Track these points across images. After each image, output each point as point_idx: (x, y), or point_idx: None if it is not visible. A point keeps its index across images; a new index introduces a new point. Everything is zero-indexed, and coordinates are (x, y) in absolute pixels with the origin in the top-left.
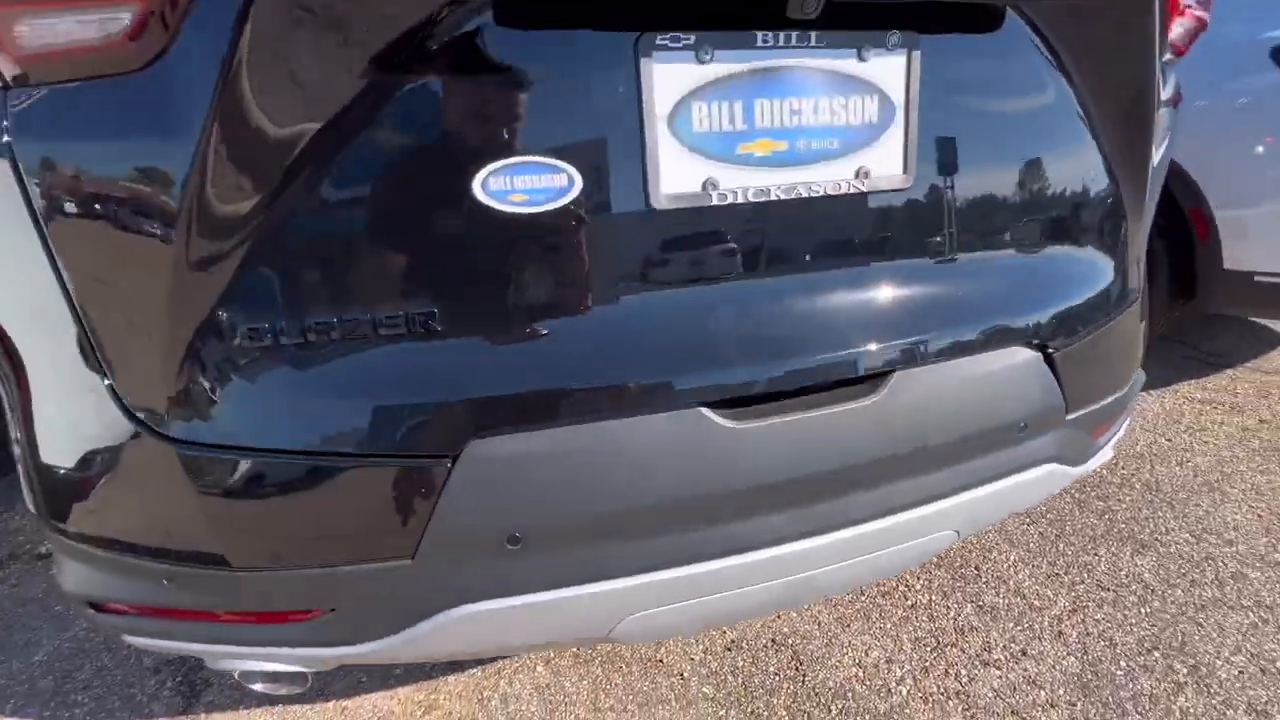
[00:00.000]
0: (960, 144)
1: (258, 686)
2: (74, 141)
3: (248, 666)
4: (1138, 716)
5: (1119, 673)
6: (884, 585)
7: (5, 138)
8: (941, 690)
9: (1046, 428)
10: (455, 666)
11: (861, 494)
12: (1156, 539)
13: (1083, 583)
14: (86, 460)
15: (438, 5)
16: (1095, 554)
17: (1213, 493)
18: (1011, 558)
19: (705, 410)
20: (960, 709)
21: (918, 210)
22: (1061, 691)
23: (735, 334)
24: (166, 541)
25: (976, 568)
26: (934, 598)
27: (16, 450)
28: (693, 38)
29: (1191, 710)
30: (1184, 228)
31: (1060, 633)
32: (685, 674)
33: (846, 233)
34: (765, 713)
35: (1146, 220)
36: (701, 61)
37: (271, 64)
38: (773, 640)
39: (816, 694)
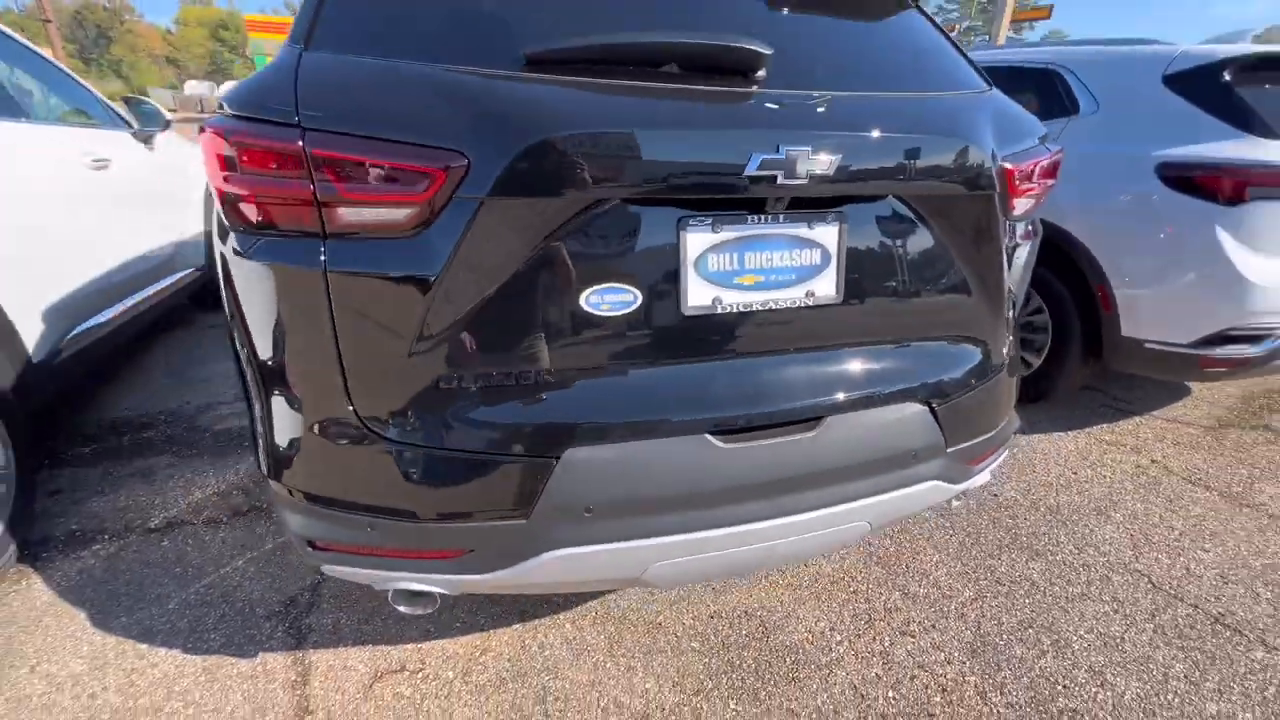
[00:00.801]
0: (872, 276)
1: (402, 607)
2: (357, 266)
3: (407, 588)
4: (1009, 671)
5: (1000, 642)
6: (834, 575)
7: (323, 256)
8: (869, 650)
9: (931, 456)
10: (502, 621)
11: (805, 493)
12: (1048, 549)
13: (985, 579)
14: (328, 449)
15: (580, 208)
16: (999, 559)
17: (1099, 516)
18: (934, 559)
19: (708, 436)
20: (880, 663)
21: (845, 316)
22: (956, 654)
23: (728, 390)
24: (373, 503)
25: (906, 565)
26: (871, 587)
27: (261, 442)
28: (710, 218)
29: (1050, 672)
30: (1093, 301)
31: (962, 614)
32: (678, 634)
33: (799, 330)
34: (737, 662)
35: (1004, 321)
36: (715, 231)
37: (481, 236)
38: (745, 612)
39: (775, 650)
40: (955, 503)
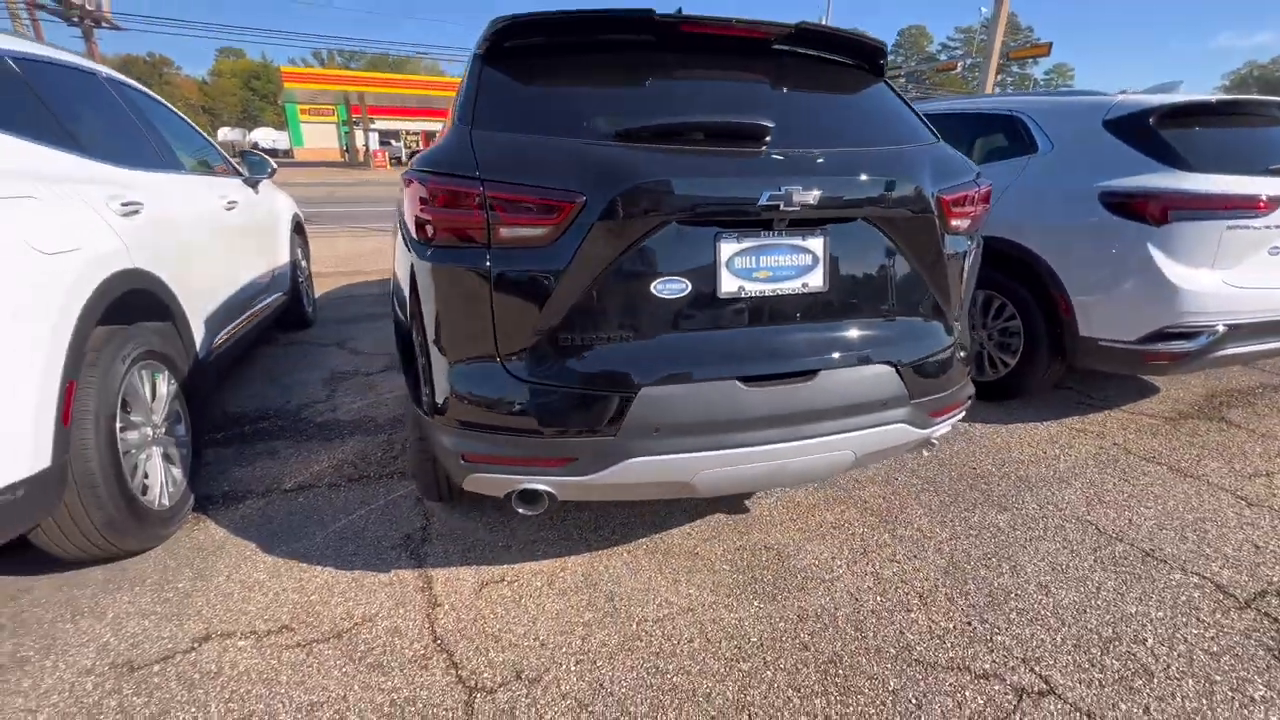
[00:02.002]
0: (849, 273)
1: (521, 509)
2: (512, 263)
3: (530, 488)
4: (973, 585)
5: (968, 567)
6: (835, 522)
7: (489, 264)
8: (862, 571)
9: (898, 405)
10: (573, 550)
11: (805, 425)
12: (1014, 506)
13: (960, 526)
14: (482, 388)
15: (650, 227)
16: (973, 512)
17: (1061, 483)
18: (919, 512)
19: (736, 382)
20: (871, 579)
21: (831, 301)
22: (932, 574)
23: (750, 350)
24: (511, 425)
25: (895, 516)
26: (866, 530)
27: (426, 390)
28: (736, 234)
29: (1005, 585)
30: (1055, 308)
31: (939, 549)
32: (712, 559)
33: (799, 310)
34: (759, 577)
35: (950, 308)
36: (739, 242)
37: (589, 247)
38: (765, 546)
39: (789, 570)
40: (925, 452)
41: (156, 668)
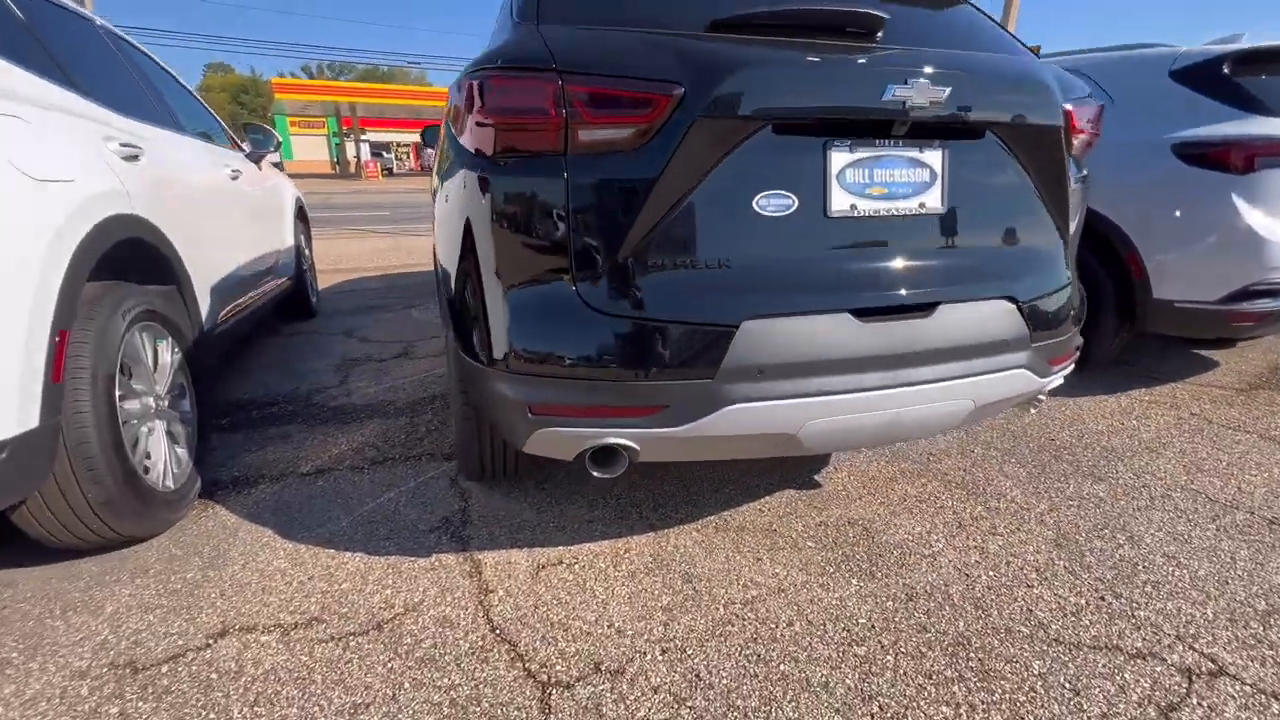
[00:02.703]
0: (969, 194)
1: (595, 471)
2: (593, 174)
3: (605, 444)
4: (1093, 558)
5: (1080, 539)
6: (919, 495)
7: (565, 174)
8: (965, 545)
9: (1020, 348)
10: (635, 531)
11: (923, 367)
12: (1109, 476)
13: (1057, 497)
14: (554, 327)
15: (756, 128)
16: (1066, 483)
17: (1151, 453)
18: (1007, 484)
19: (849, 315)
20: (977, 553)
21: (950, 225)
22: (1043, 547)
23: (864, 279)
24: (590, 368)
25: (983, 489)
26: (955, 503)
27: (482, 336)
28: (849, 142)
29: (1128, 557)
30: (1125, 270)
31: (1042, 521)
32: (793, 537)
33: (915, 234)
34: (851, 554)
35: (1071, 240)
36: (852, 152)
37: (688, 149)
38: (849, 521)
39: (882, 546)
40: (1033, 410)
41: (165, 668)
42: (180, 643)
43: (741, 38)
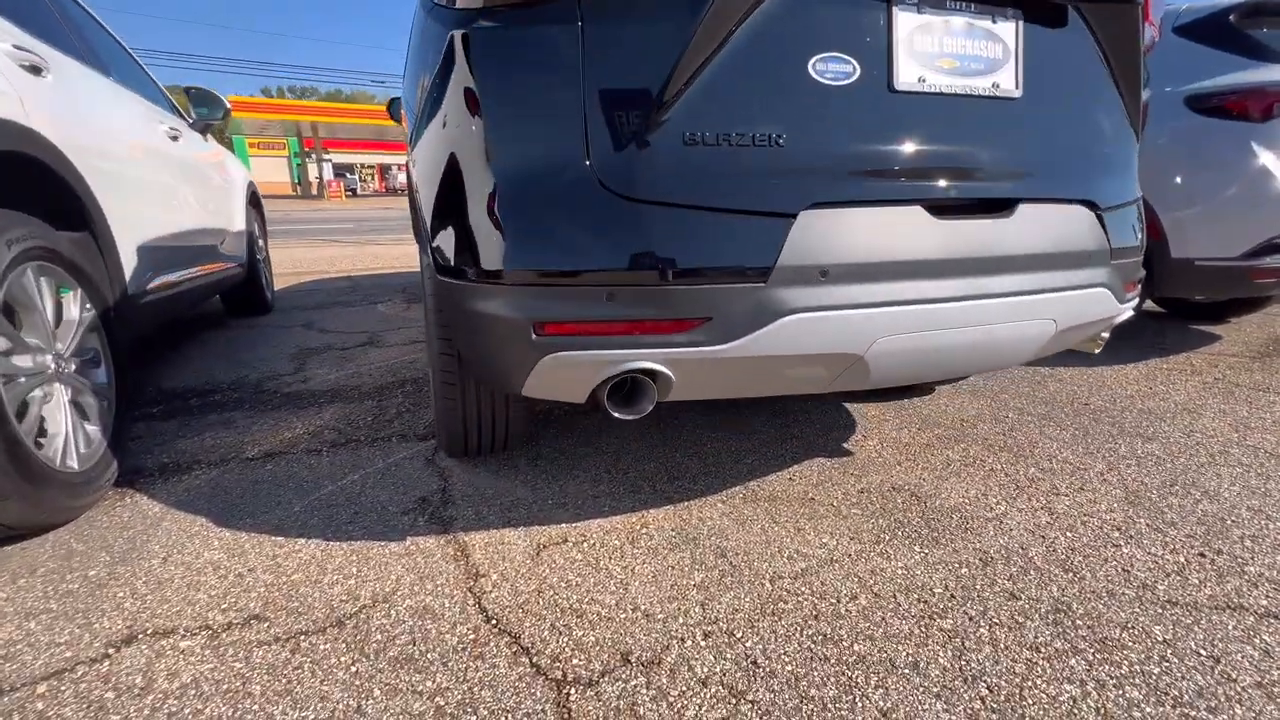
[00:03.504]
0: (1045, 76)
1: (616, 412)
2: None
3: (635, 369)
4: (1173, 515)
5: (1154, 496)
6: (963, 459)
7: (580, 20)
8: (1029, 507)
9: (1100, 263)
10: (651, 504)
11: (1004, 275)
12: (1159, 435)
13: (1112, 456)
14: (565, 216)
15: None
16: (1116, 443)
17: (1191, 414)
18: (1054, 446)
19: (921, 208)
20: (1045, 514)
21: (1025, 111)
22: (1116, 505)
23: (937, 167)
24: (612, 270)
25: (1030, 451)
26: (1005, 465)
27: (472, 237)
28: (917, 2)
29: (1213, 512)
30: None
31: (1105, 479)
32: (834, 504)
33: (990, 118)
34: (903, 520)
35: (1137, 148)
36: (921, 13)
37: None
38: (893, 487)
39: (937, 510)
40: (1097, 348)
41: (42, 687)
42: (69, 655)
43: None
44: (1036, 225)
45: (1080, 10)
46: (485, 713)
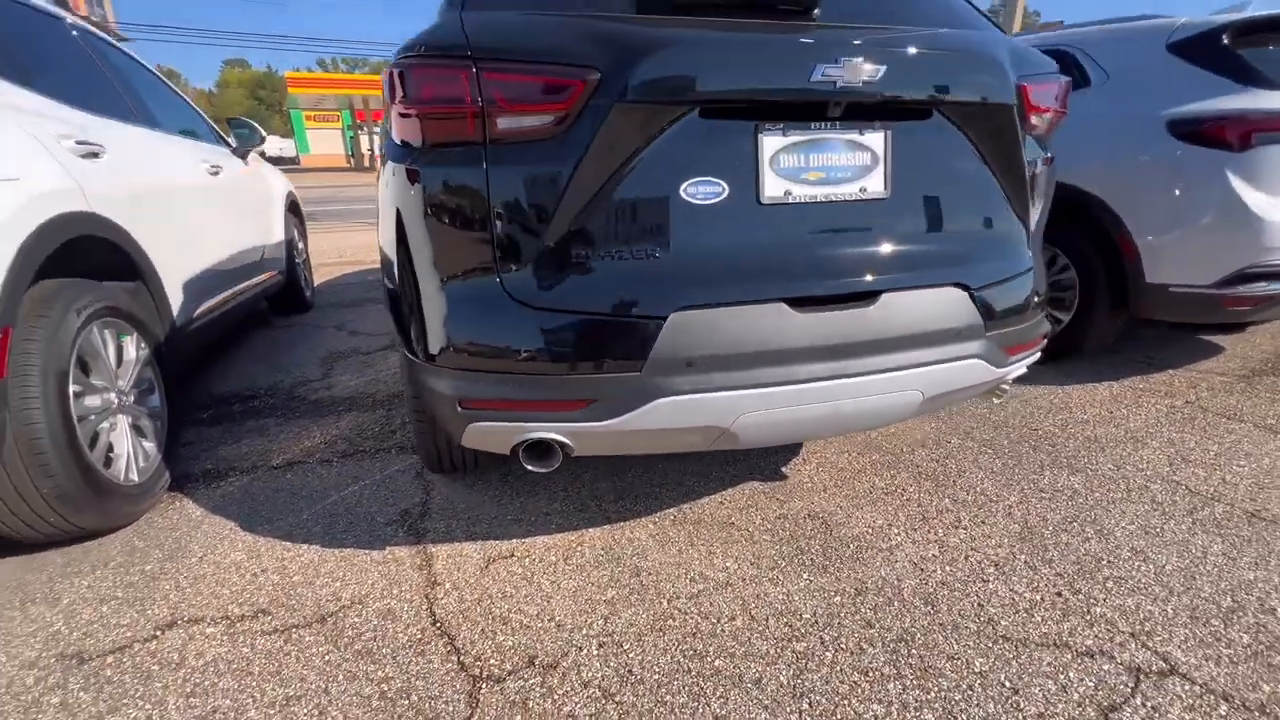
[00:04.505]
0: (915, 176)
1: (530, 465)
2: (513, 163)
3: (540, 438)
4: (1055, 552)
5: (1047, 532)
6: (886, 487)
7: (485, 165)
8: (925, 539)
9: (972, 336)
10: (591, 523)
11: (866, 358)
12: (1088, 467)
13: (1029, 489)
14: (481, 322)
15: (681, 113)
16: (1041, 475)
17: (1136, 443)
18: (979, 476)
19: (783, 305)
20: (936, 547)
21: (894, 209)
22: (1006, 540)
23: (800, 267)
24: (516, 362)
25: (954, 481)
26: (922, 495)
27: (416, 330)
28: (781, 126)
29: (1094, 551)
30: (1117, 252)
31: (1009, 514)
32: (750, 530)
33: (856, 220)
34: (805, 548)
35: (1033, 221)
36: (785, 135)
37: (608, 136)
38: (809, 514)
39: (839, 539)
40: (996, 399)
41: (110, 659)
42: (129, 634)
43: (671, 18)
44: (900, 311)
45: (948, 116)
46: (415, 698)
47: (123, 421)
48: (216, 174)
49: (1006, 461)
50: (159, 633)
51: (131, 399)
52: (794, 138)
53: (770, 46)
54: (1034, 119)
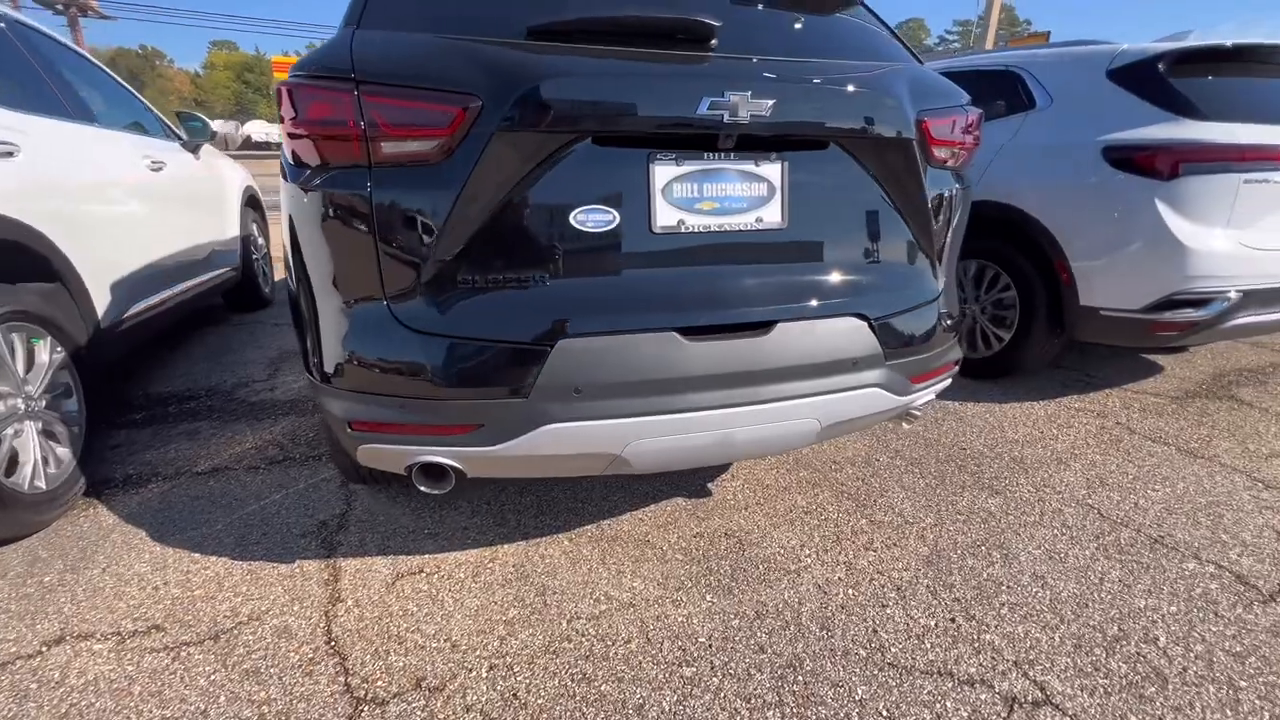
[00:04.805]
0: (813, 207)
1: (423, 487)
2: (397, 188)
3: (430, 461)
4: (959, 576)
5: (955, 556)
6: (807, 507)
7: (370, 188)
8: (834, 561)
9: (870, 366)
10: (507, 539)
11: (759, 387)
12: (1007, 489)
13: (946, 511)
14: (369, 345)
15: (568, 141)
16: (961, 496)
17: (1059, 464)
18: (901, 496)
19: (675, 334)
20: (844, 569)
21: (791, 240)
22: (914, 564)
23: (692, 296)
24: (404, 386)
25: (875, 501)
26: (841, 515)
27: (311, 351)
28: (674, 155)
29: (996, 576)
30: (1055, 275)
31: (922, 536)
32: (664, 548)
33: (752, 250)
34: (715, 568)
35: (935, 256)
36: (678, 165)
37: (491, 163)
38: (725, 533)
39: (750, 560)
40: (906, 425)
41: None
42: (13, 650)
43: (565, 46)
44: (796, 341)
45: (846, 149)
46: None
47: (30, 428)
48: (159, 169)
49: (930, 481)
50: (44, 649)
51: (43, 404)
52: (687, 167)
53: (657, 78)
54: (937, 151)
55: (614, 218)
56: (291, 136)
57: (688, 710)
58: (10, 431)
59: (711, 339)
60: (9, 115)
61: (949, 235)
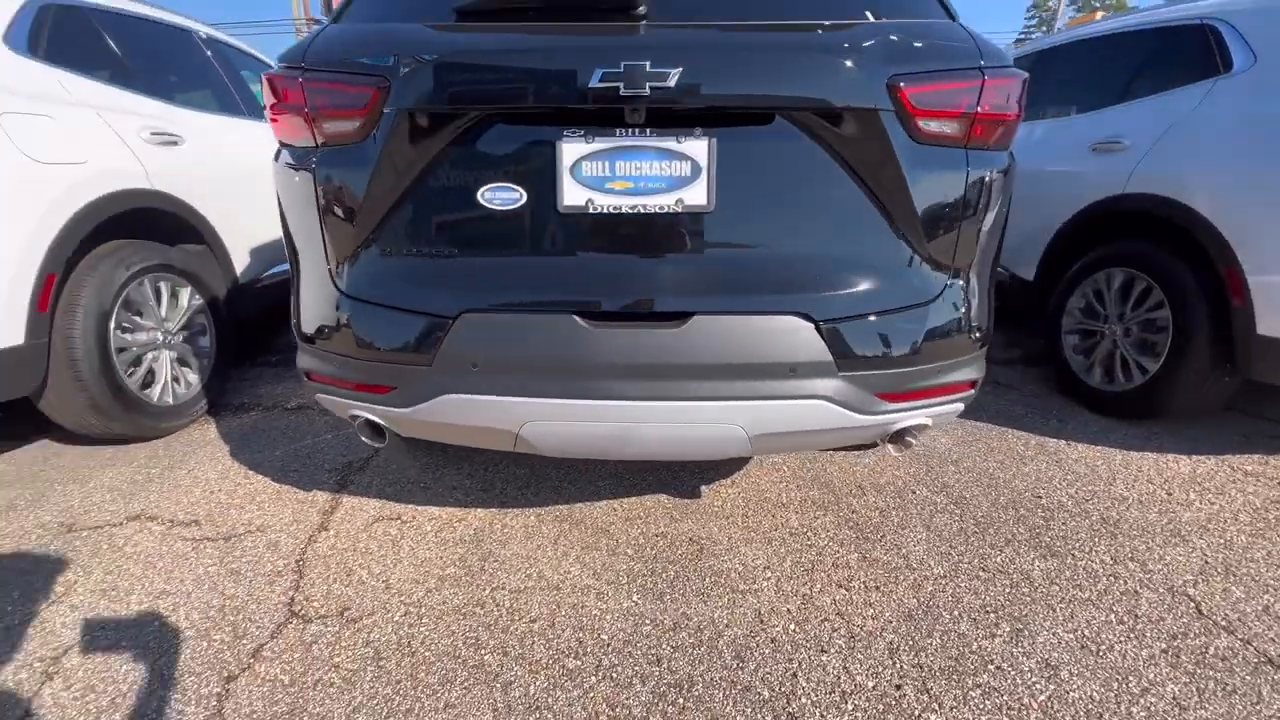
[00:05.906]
0: (747, 189)
1: (364, 438)
2: (332, 166)
3: (362, 417)
4: (938, 640)
5: (947, 617)
6: (797, 528)
7: (314, 165)
8: (793, 591)
9: (816, 374)
10: (481, 504)
11: (671, 383)
12: (1071, 553)
13: (968, 564)
14: (317, 304)
15: (474, 120)
16: (1000, 551)
17: (1172, 538)
18: (919, 536)
19: (575, 316)
20: (798, 602)
21: (719, 225)
22: (887, 614)
23: (595, 279)
24: (337, 344)
25: (883, 536)
26: (831, 544)
27: (293, 307)
28: (583, 131)
29: (988, 651)
30: (1222, 291)
31: (918, 586)
32: (620, 541)
33: (671, 233)
34: (659, 571)
35: (920, 252)
36: (588, 142)
37: (397, 144)
38: (691, 539)
39: (700, 571)
40: (895, 451)
41: (85, 534)
42: (107, 518)
43: (478, 23)
44: (717, 336)
45: (796, 123)
46: (239, 617)
47: (166, 355)
48: None
49: (966, 527)
50: (124, 521)
51: (179, 339)
52: (598, 145)
53: (553, 52)
54: (928, 124)
55: (520, 196)
56: (271, 121)
57: (550, 700)
58: (150, 356)
59: (616, 325)
60: (178, 111)
61: (964, 229)
